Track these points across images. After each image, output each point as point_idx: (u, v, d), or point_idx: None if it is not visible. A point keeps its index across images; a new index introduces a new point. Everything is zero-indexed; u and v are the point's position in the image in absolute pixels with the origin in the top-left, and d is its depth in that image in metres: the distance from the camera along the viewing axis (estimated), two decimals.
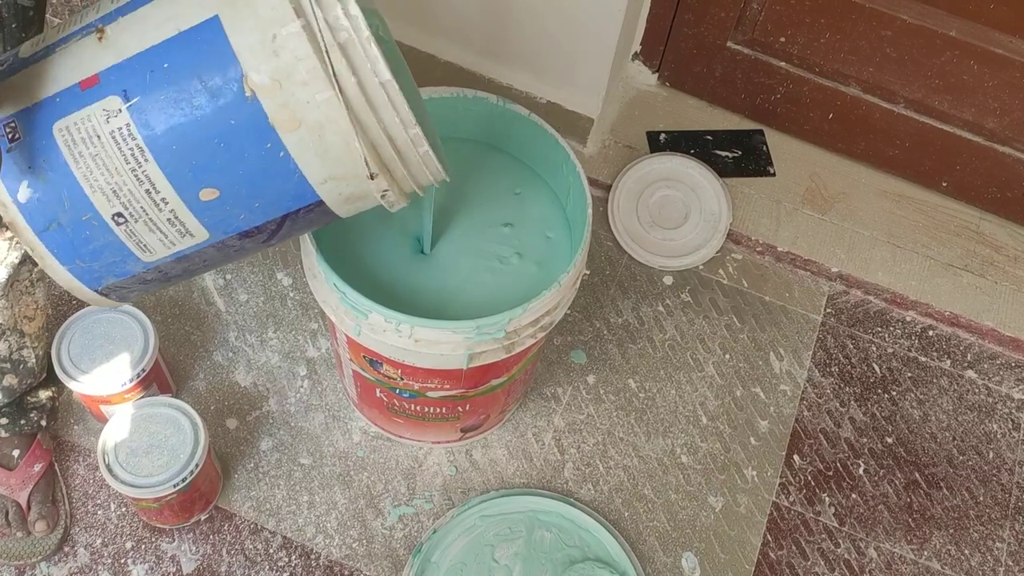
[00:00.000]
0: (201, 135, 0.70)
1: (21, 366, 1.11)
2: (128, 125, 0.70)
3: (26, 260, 1.04)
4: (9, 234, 0.98)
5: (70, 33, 0.74)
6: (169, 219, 0.74)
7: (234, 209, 0.74)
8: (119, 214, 0.74)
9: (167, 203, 0.73)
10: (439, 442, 1.26)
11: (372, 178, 0.74)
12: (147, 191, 0.72)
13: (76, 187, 0.72)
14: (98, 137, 0.71)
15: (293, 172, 0.72)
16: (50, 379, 1.17)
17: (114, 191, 0.72)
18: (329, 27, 0.68)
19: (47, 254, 0.76)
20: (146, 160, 0.71)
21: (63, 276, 0.78)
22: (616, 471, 1.28)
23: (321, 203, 0.76)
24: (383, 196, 0.77)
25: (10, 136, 0.72)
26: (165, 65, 0.70)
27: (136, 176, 0.71)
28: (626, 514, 1.25)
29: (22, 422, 1.15)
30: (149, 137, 0.71)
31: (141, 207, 0.73)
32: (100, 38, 0.72)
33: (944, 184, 1.55)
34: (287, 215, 0.76)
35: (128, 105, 0.70)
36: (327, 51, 0.68)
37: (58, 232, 0.74)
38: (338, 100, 0.69)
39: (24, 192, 0.73)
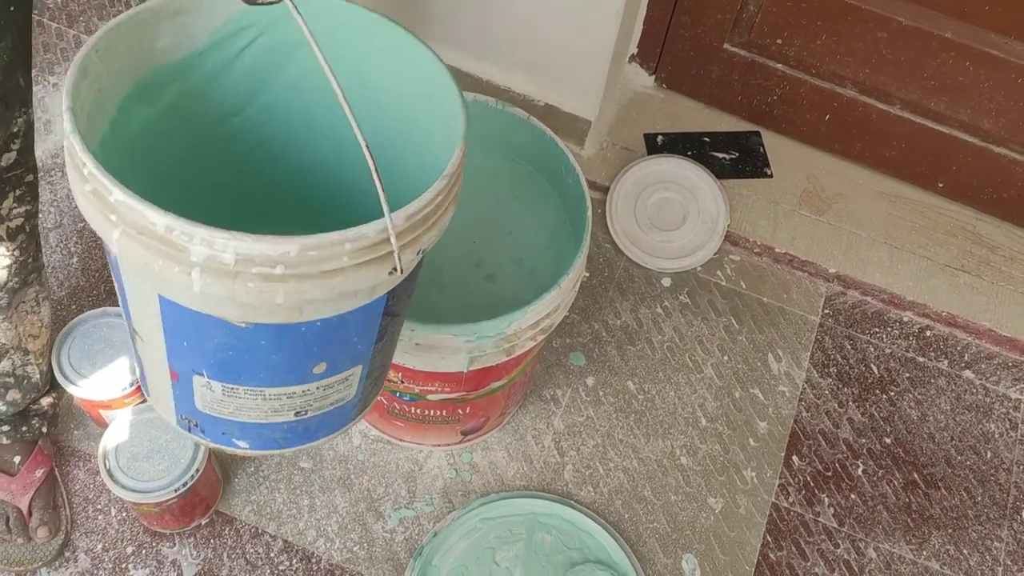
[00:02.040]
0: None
1: (25, 381, 1.11)
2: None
3: (33, 283, 1.04)
4: (7, 262, 0.98)
5: None
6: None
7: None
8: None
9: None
10: (439, 445, 1.27)
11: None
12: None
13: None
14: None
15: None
16: (51, 386, 1.17)
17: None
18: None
19: None
20: None
21: None
22: (616, 473, 1.29)
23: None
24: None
25: None
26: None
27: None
28: (626, 516, 1.26)
29: (24, 429, 1.15)
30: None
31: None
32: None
33: (940, 185, 1.55)
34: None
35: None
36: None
37: None
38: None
39: None
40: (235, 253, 0.60)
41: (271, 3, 0.62)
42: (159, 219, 0.59)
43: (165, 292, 0.64)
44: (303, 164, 0.83)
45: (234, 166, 0.86)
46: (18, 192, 0.94)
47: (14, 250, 0.97)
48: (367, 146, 0.62)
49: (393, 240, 0.63)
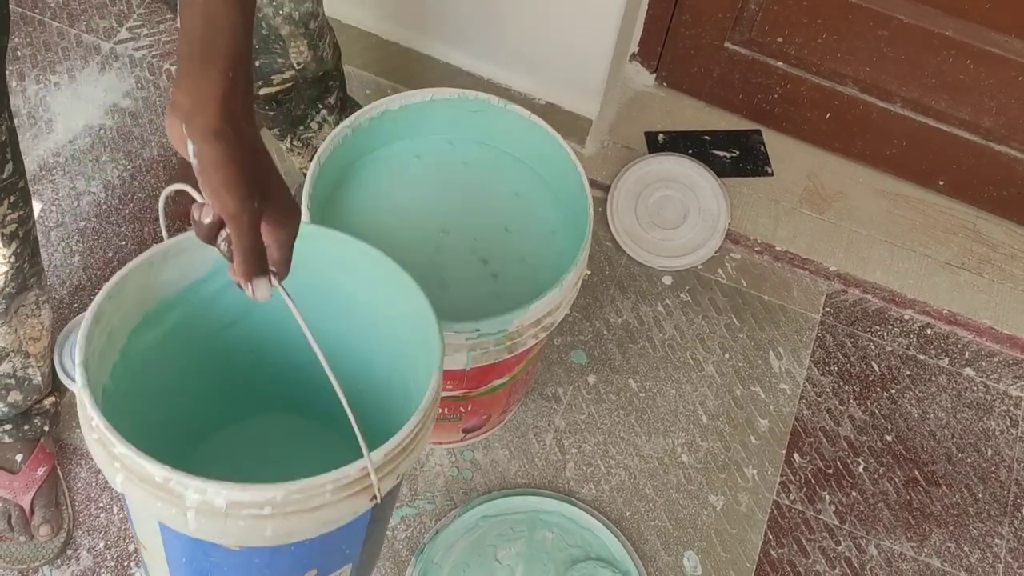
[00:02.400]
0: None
1: (26, 383, 1.11)
2: None
3: (32, 286, 1.04)
4: (4, 268, 0.98)
5: None
6: None
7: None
8: None
9: None
10: (441, 443, 1.27)
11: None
12: None
13: None
14: None
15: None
16: (54, 385, 1.17)
17: None
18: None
19: None
20: None
21: None
22: (617, 471, 1.29)
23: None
24: None
25: None
26: None
27: None
28: (627, 513, 1.26)
29: (26, 427, 1.15)
30: None
31: None
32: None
33: (941, 183, 1.56)
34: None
35: None
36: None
37: None
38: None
39: None
40: (226, 500, 0.67)
41: (265, 299, 0.68)
42: (157, 471, 0.67)
43: (164, 521, 0.72)
44: (297, 361, 0.88)
45: (233, 367, 0.96)
46: (12, 198, 0.94)
47: (10, 256, 0.97)
48: (348, 403, 0.70)
49: (373, 476, 0.71)
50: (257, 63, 1.07)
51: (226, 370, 0.96)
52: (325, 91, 1.21)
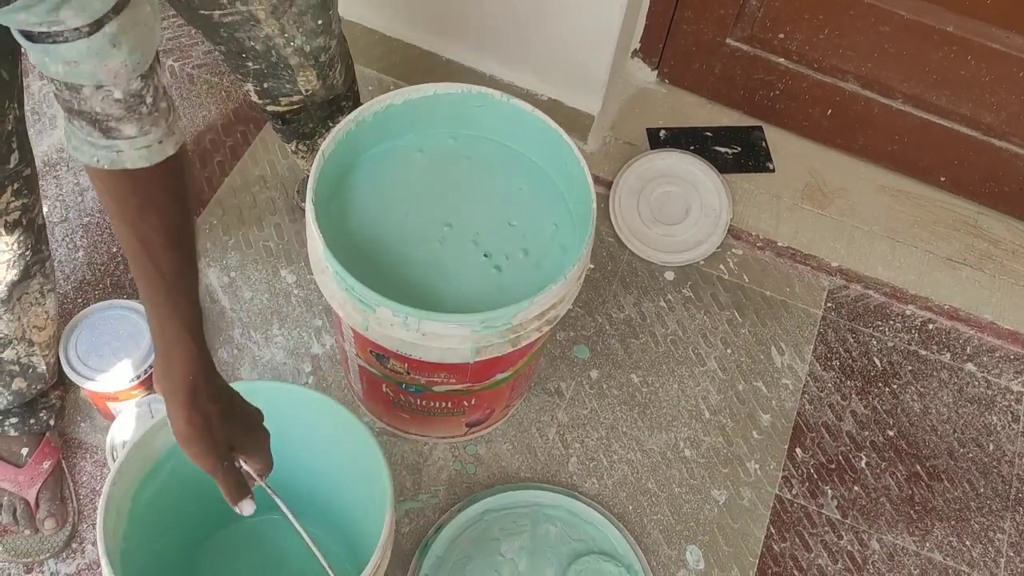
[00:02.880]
0: None
1: (31, 371, 1.12)
2: None
3: (35, 274, 1.04)
4: (7, 256, 0.99)
5: None
6: None
7: None
8: None
9: None
10: (444, 437, 1.27)
11: None
12: None
13: None
14: None
15: None
16: (59, 379, 1.18)
17: None
18: None
19: None
20: None
21: None
22: (620, 465, 1.29)
23: None
24: None
25: None
26: None
27: None
28: (630, 508, 1.26)
29: (32, 421, 1.16)
30: None
31: None
32: None
33: (942, 179, 1.56)
34: None
35: None
36: None
37: None
38: None
39: None
40: None
41: (251, 513, 0.82)
42: None
43: None
44: (286, 471, 0.98)
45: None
46: (15, 186, 0.94)
47: (12, 244, 0.98)
48: (320, 553, 0.84)
49: None
50: (265, 85, 1.08)
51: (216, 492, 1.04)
52: (336, 111, 1.19)
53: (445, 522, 1.21)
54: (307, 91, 1.09)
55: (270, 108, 1.13)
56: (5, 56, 0.87)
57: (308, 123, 1.18)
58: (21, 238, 0.99)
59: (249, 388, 0.86)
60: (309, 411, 0.97)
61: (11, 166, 0.92)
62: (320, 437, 1.00)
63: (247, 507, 0.82)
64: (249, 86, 1.08)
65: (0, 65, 0.86)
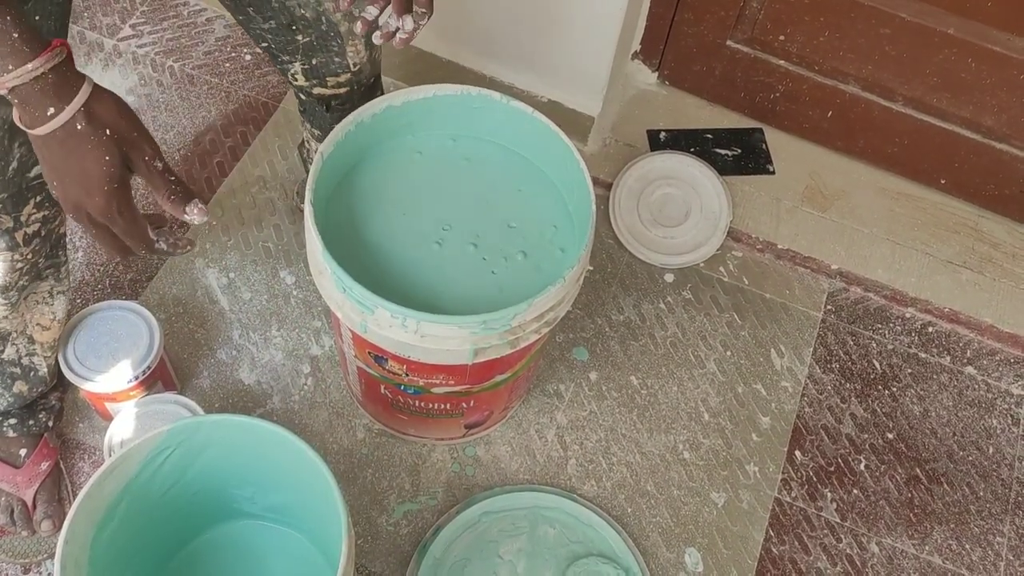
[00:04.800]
0: None
1: (32, 374, 1.11)
2: None
3: (47, 277, 1.04)
4: (20, 265, 0.97)
5: None
6: None
7: None
8: None
9: None
10: (443, 439, 1.27)
11: None
12: None
13: None
14: None
15: None
16: (58, 381, 1.18)
17: None
18: None
19: None
20: None
21: None
22: (619, 467, 1.29)
23: None
24: None
25: None
26: None
27: None
28: (629, 510, 1.26)
29: (30, 422, 1.16)
30: None
31: None
32: None
33: (943, 181, 1.56)
34: None
35: None
36: None
37: None
38: None
39: None
40: None
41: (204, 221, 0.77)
42: None
43: None
44: (239, 484, 1.07)
45: (186, 507, 1.07)
46: (38, 199, 0.93)
47: (27, 254, 0.96)
48: None
49: None
50: (314, 61, 1.06)
51: (180, 511, 1.06)
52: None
53: (443, 524, 1.21)
54: (355, 65, 1.07)
55: (317, 91, 1.10)
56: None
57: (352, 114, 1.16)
58: (37, 247, 0.97)
59: (202, 422, 0.91)
60: (268, 444, 0.98)
61: (31, 176, 0.91)
62: (278, 469, 1.01)
63: (198, 215, 0.75)
64: (297, 66, 1.06)
65: None
